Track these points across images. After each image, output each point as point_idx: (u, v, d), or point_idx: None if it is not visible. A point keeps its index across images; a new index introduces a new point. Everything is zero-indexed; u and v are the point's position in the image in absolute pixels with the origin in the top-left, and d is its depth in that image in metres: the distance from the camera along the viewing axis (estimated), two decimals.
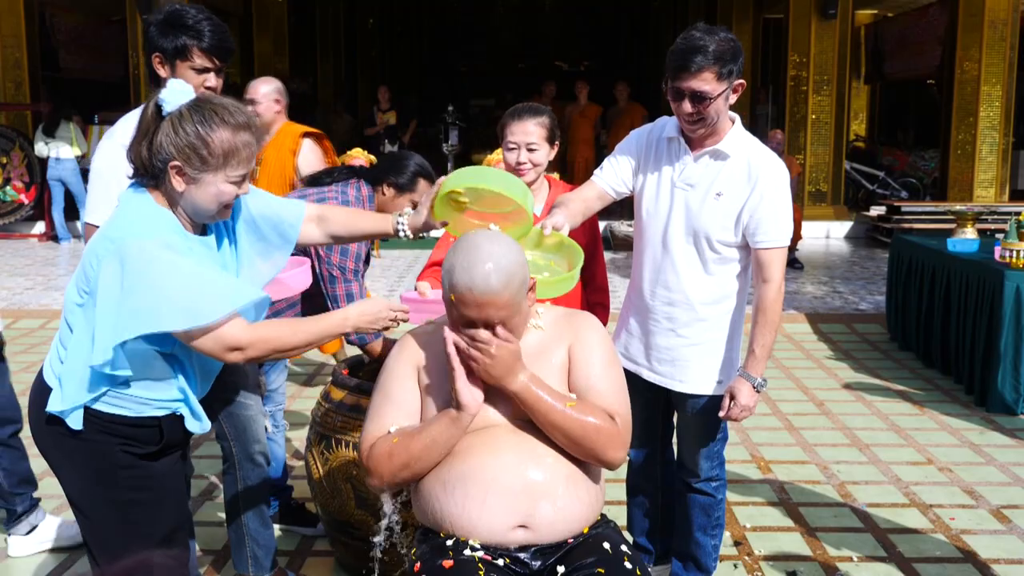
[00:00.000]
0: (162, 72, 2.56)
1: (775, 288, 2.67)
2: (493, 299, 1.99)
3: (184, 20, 2.53)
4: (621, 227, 11.19)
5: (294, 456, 4.26)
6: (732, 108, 2.69)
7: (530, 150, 2.99)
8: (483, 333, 2.03)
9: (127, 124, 2.48)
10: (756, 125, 13.67)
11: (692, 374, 2.78)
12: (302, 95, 11.06)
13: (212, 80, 2.58)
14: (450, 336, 2.04)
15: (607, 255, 10.25)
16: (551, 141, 3.04)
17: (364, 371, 3.32)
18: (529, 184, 2.94)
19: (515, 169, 3.00)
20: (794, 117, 11.52)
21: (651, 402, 2.91)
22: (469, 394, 2.04)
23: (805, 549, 3.46)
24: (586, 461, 2.12)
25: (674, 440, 3.04)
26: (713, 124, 2.61)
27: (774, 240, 2.65)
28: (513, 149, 3.00)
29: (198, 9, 2.59)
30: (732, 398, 2.68)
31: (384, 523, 2.24)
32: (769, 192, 2.62)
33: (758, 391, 2.68)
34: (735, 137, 2.67)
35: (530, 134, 2.99)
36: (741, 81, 2.61)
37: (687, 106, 2.56)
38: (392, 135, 12.95)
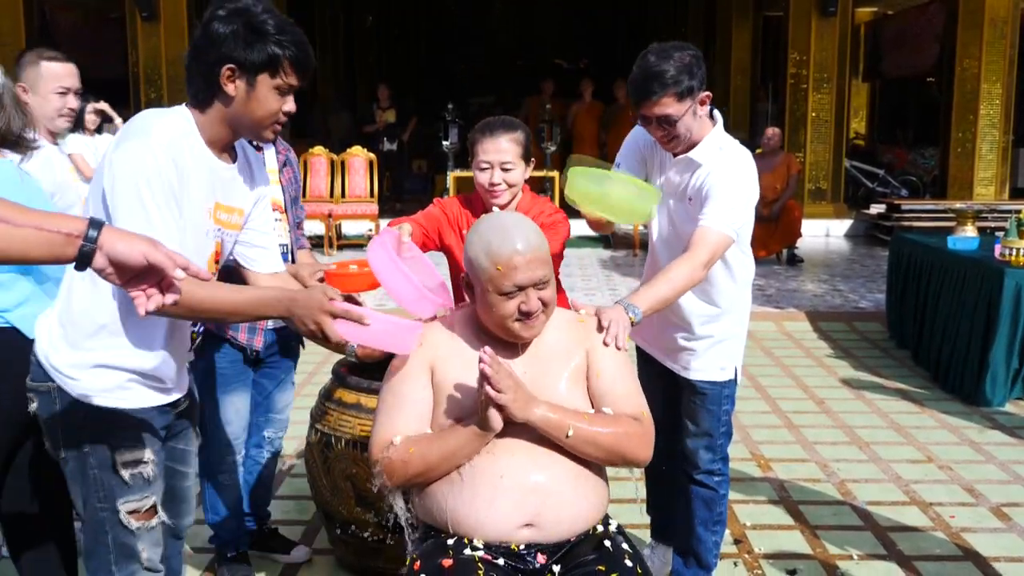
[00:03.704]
0: (229, 88, 1.96)
1: (696, 266, 2.50)
2: (539, 254, 2.08)
3: (265, 26, 1.95)
4: (620, 226, 11.18)
5: (295, 455, 4.26)
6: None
7: (504, 169, 2.73)
8: (534, 300, 2.06)
9: (163, 124, 1.97)
10: (756, 123, 13.66)
11: (696, 363, 2.83)
12: (300, 92, 11.01)
13: (291, 104, 2.05)
14: (484, 358, 1.97)
15: (607, 253, 10.29)
16: (526, 159, 2.78)
17: (365, 369, 3.31)
18: (503, 207, 2.73)
19: (488, 191, 2.75)
20: (794, 115, 11.52)
21: (667, 383, 2.92)
22: (498, 419, 2.01)
23: (805, 547, 3.46)
24: (615, 466, 2.15)
25: None
26: (688, 139, 2.63)
27: (711, 219, 2.55)
28: (486, 169, 2.74)
29: (266, 6, 1.99)
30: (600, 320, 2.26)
31: (403, 516, 2.19)
32: (718, 173, 2.60)
33: (628, 313, 2.31)
34: (709, 143, 2.66)
35: (504, 152, 2.72)
36: (706, 93, 2.61)
37: (656, 131, 2.61)
38: (392, 133, 12.94)
